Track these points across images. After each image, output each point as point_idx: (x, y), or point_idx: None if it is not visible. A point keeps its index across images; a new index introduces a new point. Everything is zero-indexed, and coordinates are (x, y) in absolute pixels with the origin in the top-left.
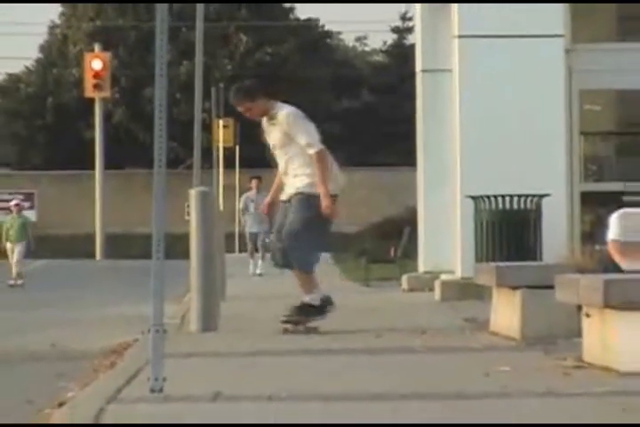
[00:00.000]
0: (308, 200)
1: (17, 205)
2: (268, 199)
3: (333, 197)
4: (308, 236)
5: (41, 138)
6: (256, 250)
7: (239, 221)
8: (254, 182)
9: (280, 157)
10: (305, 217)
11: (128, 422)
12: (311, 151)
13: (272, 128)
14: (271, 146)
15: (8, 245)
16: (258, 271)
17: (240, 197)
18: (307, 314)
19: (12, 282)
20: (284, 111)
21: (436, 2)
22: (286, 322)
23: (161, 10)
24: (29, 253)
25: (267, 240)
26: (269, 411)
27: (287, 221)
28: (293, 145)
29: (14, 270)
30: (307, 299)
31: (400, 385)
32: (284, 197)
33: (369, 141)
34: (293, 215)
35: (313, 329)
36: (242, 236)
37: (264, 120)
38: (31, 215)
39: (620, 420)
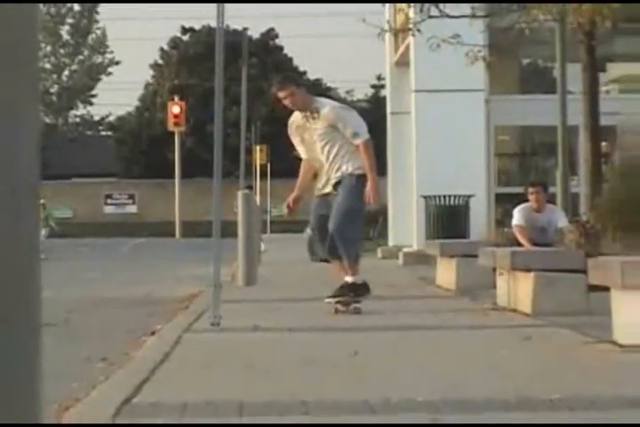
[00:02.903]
0: (359, 181)
1: (43, 203)
2: (294, 195)
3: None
4: (356, 224)
5: (139, 158)
6: None
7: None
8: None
9: (321, 151)
10: (355, 203)
11: (197, 344)
12: (357, 141)
13: (312, 122)
14: (303, 142)
15: None
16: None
17: (270, 196)
18: (355, 292)
19: (42, 256)
20: (329, 105)
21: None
22: (337, 302)
23: (219, 8)
24: (52, 235)
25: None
26: (290, 338)
27: (335, 209)
28: (338, 137)
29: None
30: (350, 279)
31: (376, 321)
32: (326, 189)
33: None
34: (343, 201)
35: (359, 309)
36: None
37: (298, 116)
38: (133, 209)
39: (521, 344)
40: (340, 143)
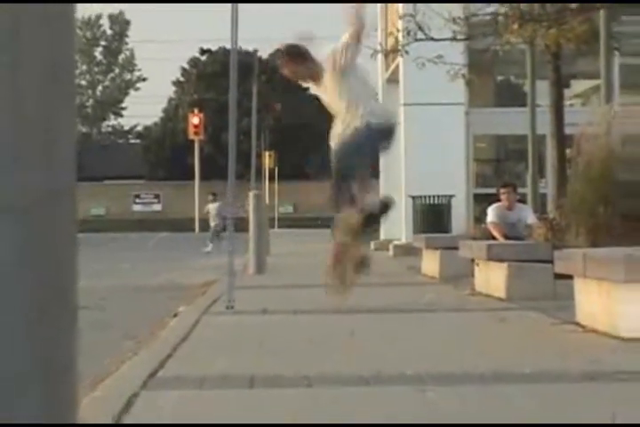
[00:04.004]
0: (361, 129)
1: None
2: None
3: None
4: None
5: (163, 163)
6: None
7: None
8: (212, 196)
9: (339, 100)
10: (363, 141)
11: (214, 325)
12: (344, 40)
13: (323, 82)
14: (326, 101)
15: None
16: (209, 249)
17: (278, 196)
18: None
19: None
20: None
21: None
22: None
23: (233, 8)
24: None
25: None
26: (295, 320)
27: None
28: (344, 81)
29: None
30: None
31: (370, 305)
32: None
33: None
34: (352, 137)
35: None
36: (274, 218)
37: (317, 85)
38: (158, 207)
39: (496, 325)
40: (347, 86)
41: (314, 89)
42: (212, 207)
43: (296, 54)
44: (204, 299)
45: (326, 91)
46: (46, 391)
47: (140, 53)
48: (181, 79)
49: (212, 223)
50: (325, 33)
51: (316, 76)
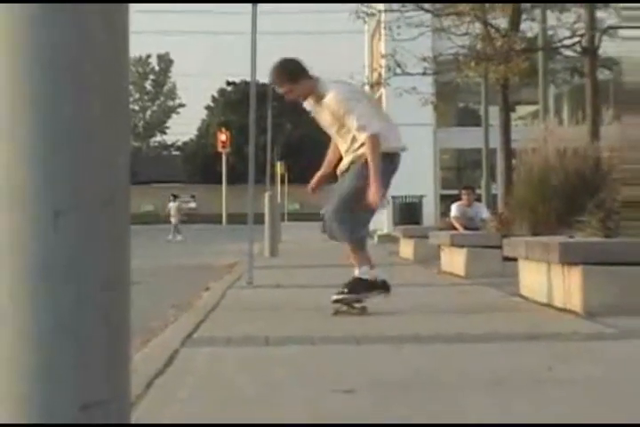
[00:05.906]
0: (364, 166)
1: None
2: (318, 173)
3: (396, 155)
4: (353, 207)
5: (198, 170)
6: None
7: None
8: (172, 197)
9: (335, 134)
10: (356, 186)
11: (237, 297)
12: (362, 136)
13: (320, 109)
14: (323, 126)
15: None
16: (170, 237)
17: (287, 196)
18: (356, 290)
19: None
20: (332, 92)
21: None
22: (337, 301)
23: (253, 9)
24: None
25: None
26: (302, 293)
27: (337, 191)
28: (347, 126)
29: None
30: (356, 273)
31: None
32: (342, 167)
33: None
34: (345, 184)
35: (362, 309)
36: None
37: (309, 102)
38: (193, 205)
39: (457, 296)
40: (349, 134)
41: (308, 105)
42: (173, 206)
43: (295, 72)
44: (229, 276)
45: (322, 116)
46: (107, 347)
47: (181, 84)
48: (212, 105)
49: (173, 219)
50: (336, 68)
51: (313, 99)
